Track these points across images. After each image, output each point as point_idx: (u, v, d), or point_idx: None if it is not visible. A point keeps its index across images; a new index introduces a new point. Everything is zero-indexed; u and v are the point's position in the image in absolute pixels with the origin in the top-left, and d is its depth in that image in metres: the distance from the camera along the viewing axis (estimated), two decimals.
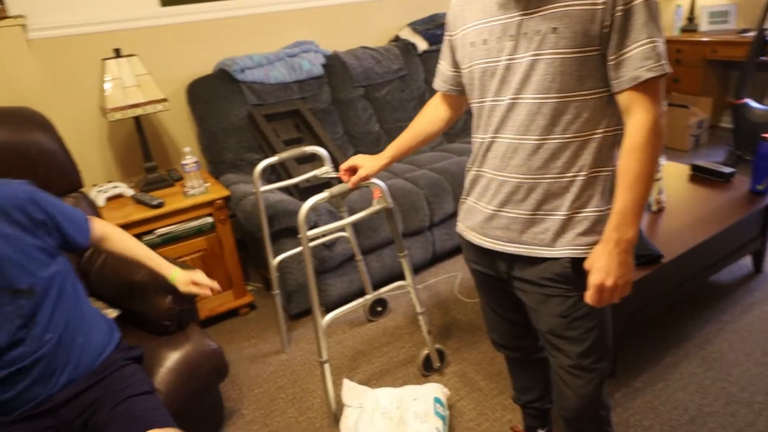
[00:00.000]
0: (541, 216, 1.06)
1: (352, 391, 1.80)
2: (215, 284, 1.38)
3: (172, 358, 1.55)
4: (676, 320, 2.13)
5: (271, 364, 2.14)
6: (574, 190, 1.03)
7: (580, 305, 1.08)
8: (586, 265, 1.02)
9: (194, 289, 1.39)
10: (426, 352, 1.96)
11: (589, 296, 1.02)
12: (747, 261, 2.42)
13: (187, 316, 1.70)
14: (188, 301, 1.67)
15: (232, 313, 2.48)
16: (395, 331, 2.25)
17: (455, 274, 2.61)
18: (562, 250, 1.05)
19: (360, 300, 1.84)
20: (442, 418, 1.65)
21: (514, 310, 1.29)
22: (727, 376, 1.83)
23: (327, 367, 1.75)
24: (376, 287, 2.30)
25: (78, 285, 1.37)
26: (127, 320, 1.64)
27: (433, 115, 1.35)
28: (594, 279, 1.00)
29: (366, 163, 1.45)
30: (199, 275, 1.41)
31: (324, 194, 1.54)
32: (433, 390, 1.74)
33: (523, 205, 1.07)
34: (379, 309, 2.37)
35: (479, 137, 1.12)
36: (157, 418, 1.25)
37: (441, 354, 1.99)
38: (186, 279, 1.41)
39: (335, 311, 1.77)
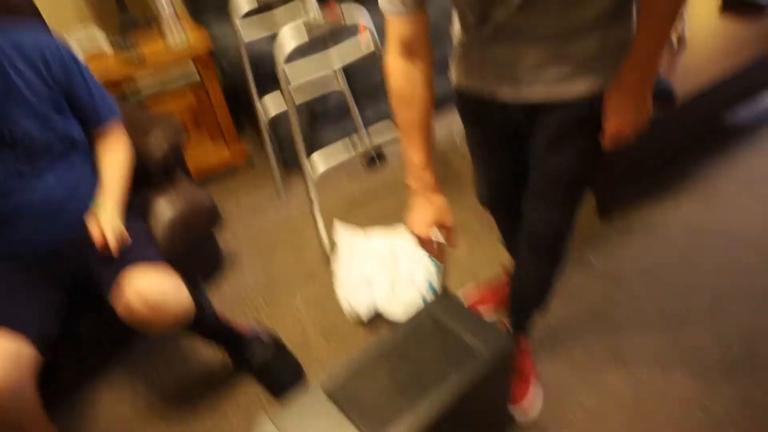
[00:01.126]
0: (564, 56, 0.93)
1: (344, 232, 1.81)
2: (100, 239, 1.21)
3: (163, 209, 1.56)
4: (686, 161, 2.05)
5: (269, 215, 2.16)
6: (598, 30, 0.90)
7: (591, 143, 1.03)
8: (604, 107, 0.96)
9: (92, 228, 1.24)
10: None
11: (608, 142, 1.00)
12: None
13: (174, 166, 1.67)
14: (173, 149, 1.63)
15: (229, 171, 2.46)
16: (393, 184, 2.22)
17: (453, 121, 2.50)
18: (585, 88, 0.96)
19: (350, 146, 1.78)
20: None
21: (510, 169, 1.22)
22: (727, 215, 1.79)
23: (317, 207, 1.74)
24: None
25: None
26: None
27: (414, 94, 1.07)
28: (611, 126, 0.97)
29: (444, 215, 1.16)
30: (103, 222, 1.24)
31: (299, 22, 1.40)
32: None
33: (542, 50, 0.93)
34: (377, 159, 2.32)
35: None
36: (149, 255, 1.30)
37: None
38: (101, 216, 1.26)
39: (321, 152, 1.72)
